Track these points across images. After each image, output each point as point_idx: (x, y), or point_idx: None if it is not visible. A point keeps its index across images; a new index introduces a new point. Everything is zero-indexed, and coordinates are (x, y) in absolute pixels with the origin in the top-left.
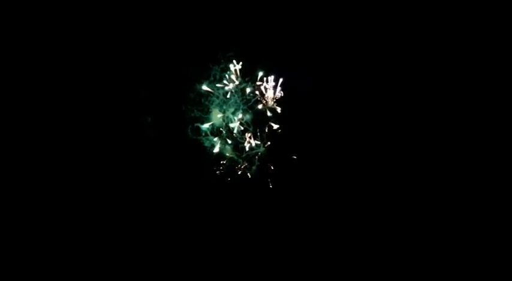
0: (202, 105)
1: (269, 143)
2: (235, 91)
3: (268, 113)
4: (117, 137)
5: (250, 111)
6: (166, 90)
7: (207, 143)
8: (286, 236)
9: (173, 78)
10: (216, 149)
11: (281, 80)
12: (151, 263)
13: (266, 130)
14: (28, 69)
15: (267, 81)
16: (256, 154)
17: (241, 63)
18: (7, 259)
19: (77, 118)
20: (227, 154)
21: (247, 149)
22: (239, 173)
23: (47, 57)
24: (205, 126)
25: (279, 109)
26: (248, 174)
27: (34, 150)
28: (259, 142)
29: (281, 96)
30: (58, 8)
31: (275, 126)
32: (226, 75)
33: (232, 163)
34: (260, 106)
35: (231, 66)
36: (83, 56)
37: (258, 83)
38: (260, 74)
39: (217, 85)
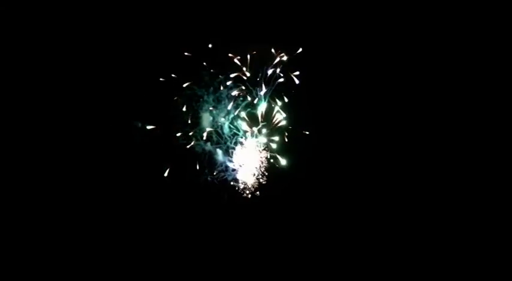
0: (192, 110)
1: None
2: (226, 95)
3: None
4: (107, 142)
5: (241, 116)
6: (155, 94)
7: (197, 148)
8: (280, 239)
9: (162, 83)
10: (207, 154)
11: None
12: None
13: (257, 135)
14: (18, 73)
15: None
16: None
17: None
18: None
19: (66, 121)
20: (218, 159)
21: (238, 154)
22: (230, 178)
23: (40, 60)
24: (195, 131)
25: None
26: (239, 179)
27: (21, 151)
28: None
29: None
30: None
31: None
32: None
33: (223, 167)
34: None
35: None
36: (74, 59)
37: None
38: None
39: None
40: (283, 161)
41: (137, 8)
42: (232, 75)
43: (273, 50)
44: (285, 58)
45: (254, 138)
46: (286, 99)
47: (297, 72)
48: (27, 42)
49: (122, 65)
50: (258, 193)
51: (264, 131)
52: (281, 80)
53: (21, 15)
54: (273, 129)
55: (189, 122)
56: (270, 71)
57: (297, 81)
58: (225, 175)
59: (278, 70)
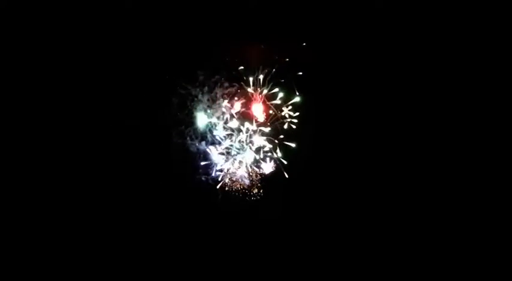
0: (186, 109)
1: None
2: (221, 95)
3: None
4: (100, 142)
5: (235, 116)
6: (150, 93)
7: (192, 148)
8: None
9: (156, 82)
10: (201, 154)
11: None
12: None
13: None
14: (17, 73)
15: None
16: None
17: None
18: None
19: (61, 121)
20: (212, 158)
21: (232, 153)
22: (225, 179)
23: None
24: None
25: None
26: (233, 179)
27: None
28: (244, 146)
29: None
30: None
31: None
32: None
33: (218, 167)
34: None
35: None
36: (69, 59)
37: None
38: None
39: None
40: (278, 161)
41: (132, 8)
42: (227, 75)
43: (262, 46)
44: (280, 57)
45: (249, 138)
46: (280, 96)
47: (300, 73)
48: (22, 41)
49: (116, 64)
50: (252, 192)
51: (259, 130)
52: (277, 79)
53: (14, 14)
54: (269, 128)
55: (184, 122)
56: (266, 70)
57: (294, 86)
58: (219, 175)
59: (274, 70)
